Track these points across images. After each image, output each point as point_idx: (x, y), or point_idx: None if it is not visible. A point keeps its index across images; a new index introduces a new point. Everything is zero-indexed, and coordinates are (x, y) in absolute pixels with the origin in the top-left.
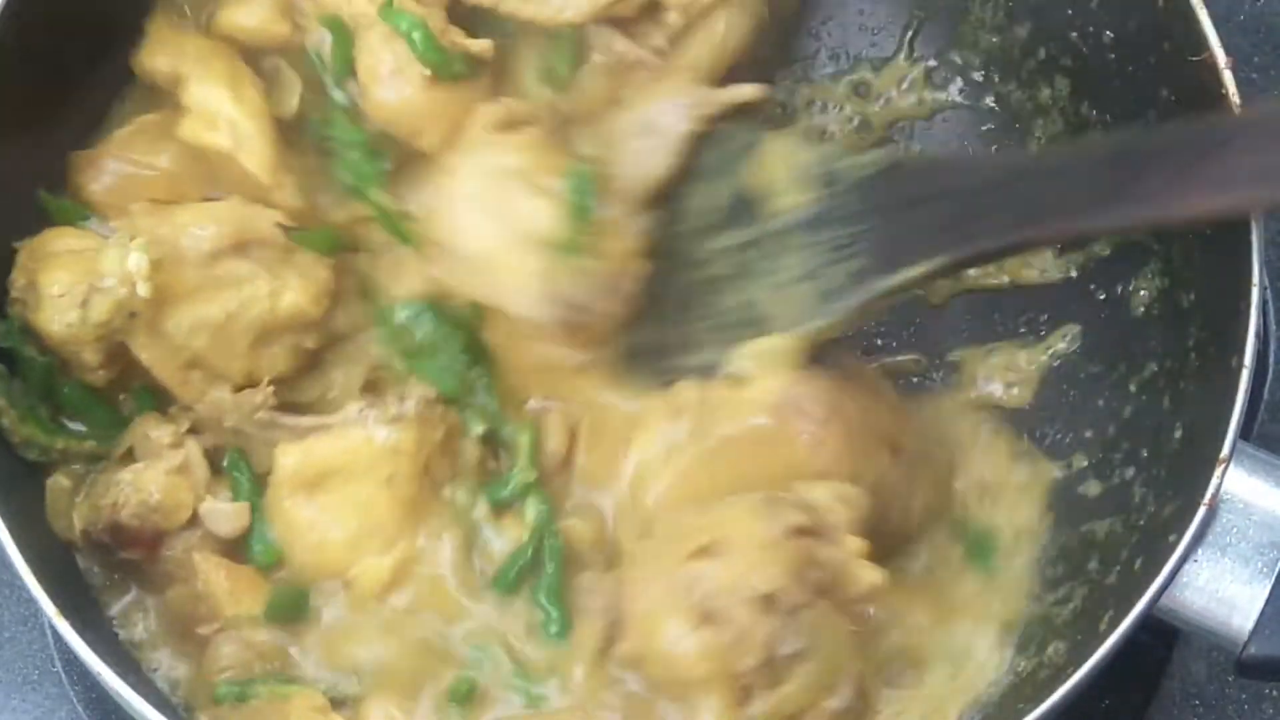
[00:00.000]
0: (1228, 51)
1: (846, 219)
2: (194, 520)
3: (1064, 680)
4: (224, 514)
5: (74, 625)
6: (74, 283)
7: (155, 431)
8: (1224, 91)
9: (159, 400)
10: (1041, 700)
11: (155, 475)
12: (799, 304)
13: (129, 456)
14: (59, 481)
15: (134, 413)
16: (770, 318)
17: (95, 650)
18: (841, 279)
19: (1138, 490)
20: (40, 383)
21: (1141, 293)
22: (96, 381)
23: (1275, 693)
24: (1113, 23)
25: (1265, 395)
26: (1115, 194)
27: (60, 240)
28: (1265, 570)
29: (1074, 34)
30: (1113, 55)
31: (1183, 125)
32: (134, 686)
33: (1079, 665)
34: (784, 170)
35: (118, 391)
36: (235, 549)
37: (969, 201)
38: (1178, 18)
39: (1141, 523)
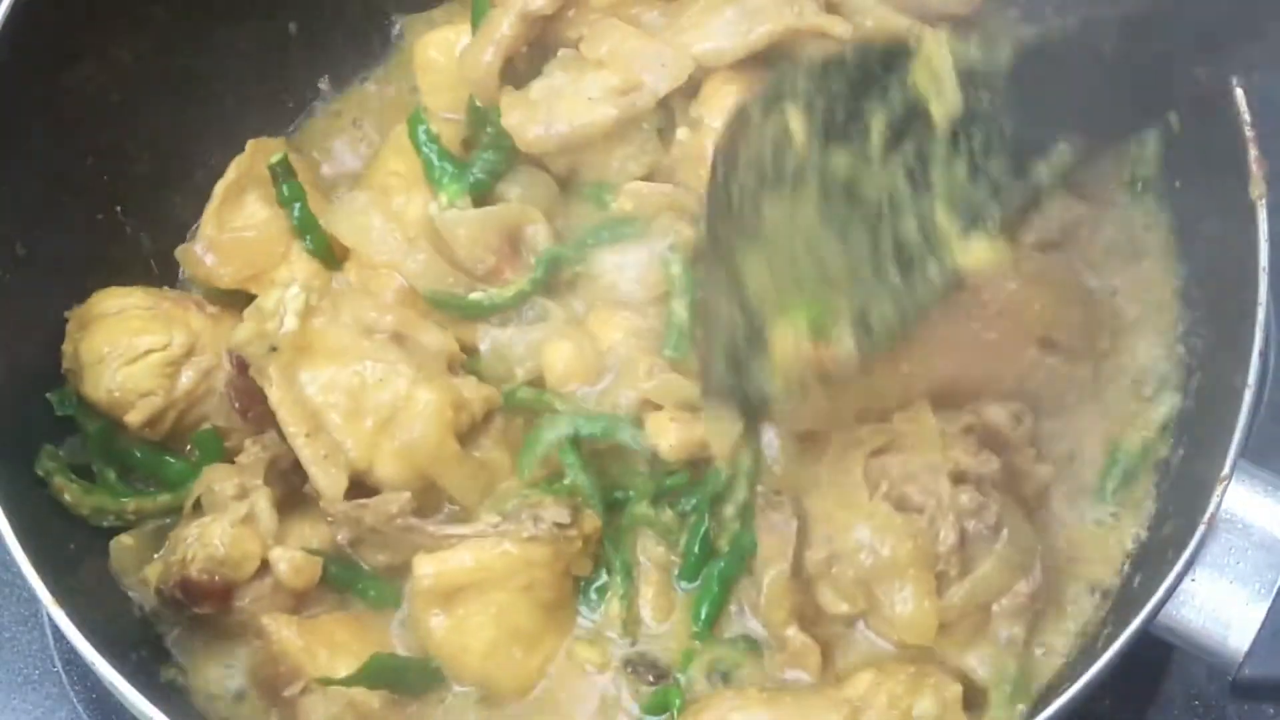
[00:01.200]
0: None
1: (1000, 112)
2: (264, 570)
3: (1060, 694)
4: (294, 564)
5: (72, 620)
6: (114, 345)
7: (220, 483)
8: (1234, 110)
9: (224, 450)
10: (1038, 713)
11: (221, 527)
12: (974, 207)
13: (198, 510)
14: (122, 541)
15: (201, 464)
16: (941, 238)
17: (95, 647)
18: (1004, 174)
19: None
20: (100, 447)
21: None
22: (158, 437)
23: None
24: None
25: (1265, 395)
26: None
27: (104, 303)
28: (1263, 591)
29: None
30: None
31: None
32: (132, 682)
33: (1075, 679)
34: (933, 72)
35: (181, 445)
36: (309, 602)
37: (1108, 80)
38: None
39: (1141, 540)
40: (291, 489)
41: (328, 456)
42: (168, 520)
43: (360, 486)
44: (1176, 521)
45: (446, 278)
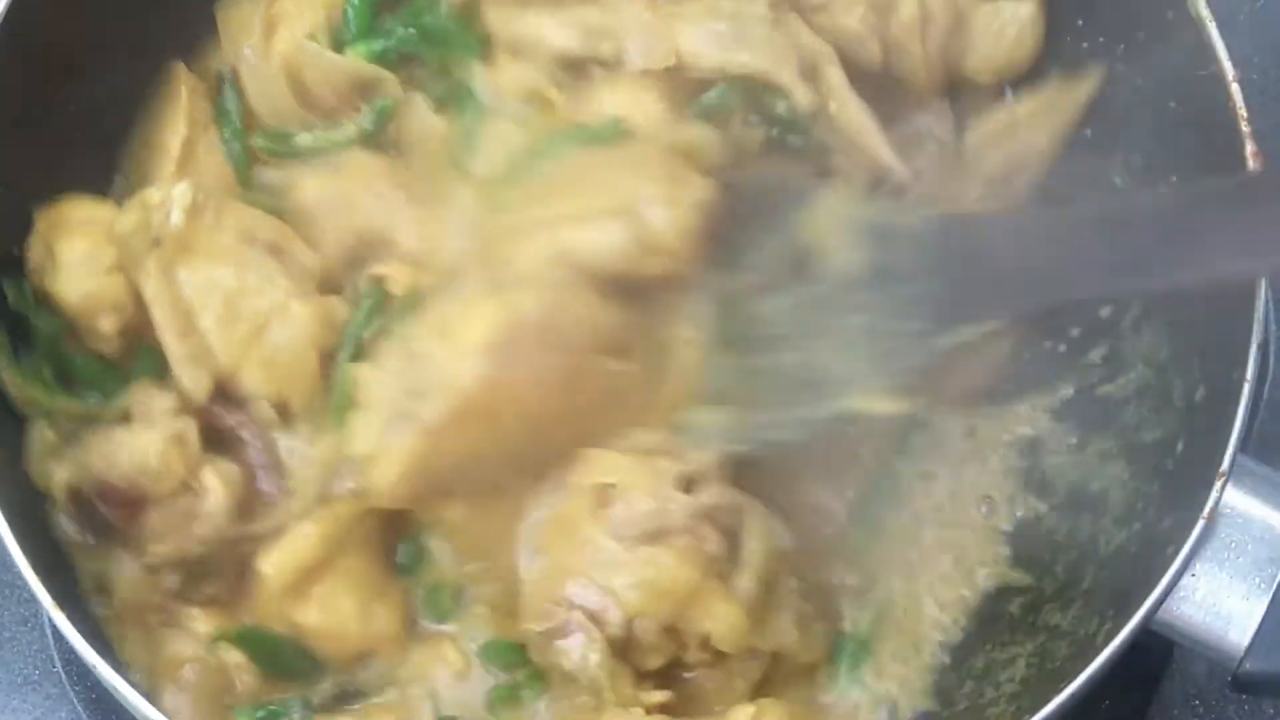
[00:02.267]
0: (1229, 54)
1: (902, 277)
2: (178, 494)
3: (1059, 691)
4: (215, 491)
5: (72, 621)
6: (93, 250)
7: (158, 398)
8: (1231, 105)
9: (164, 370)
10: (1038, 709)
11: (152, 440)
12: (861, 364)
13: (126, 418)
14: (43, 432)
15: (137, 377)
16: (831, 379)
17: (94, 647)
18: (901, 338)
19: (1138, 502)
20: (48, 350)
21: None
22: (108, 351)
23: None
24: (1122, 32)
25: (1265, 394)
26: (1167, 255)
27: (79, 209)
28: (1263, 585)
29: (1084, 44)
30: (1122, 66)
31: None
32: (134, 685)
33: (1074, 676)
34: (836, 225)
35: (127, 363)
36: None
37: (1024, 258)
38: (1187, 30)
39: (1140, 534)
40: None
41: (195, 357)
42: (83, 426)
43: (221, 395)
44: (1175, 517)
45: (291, 117)
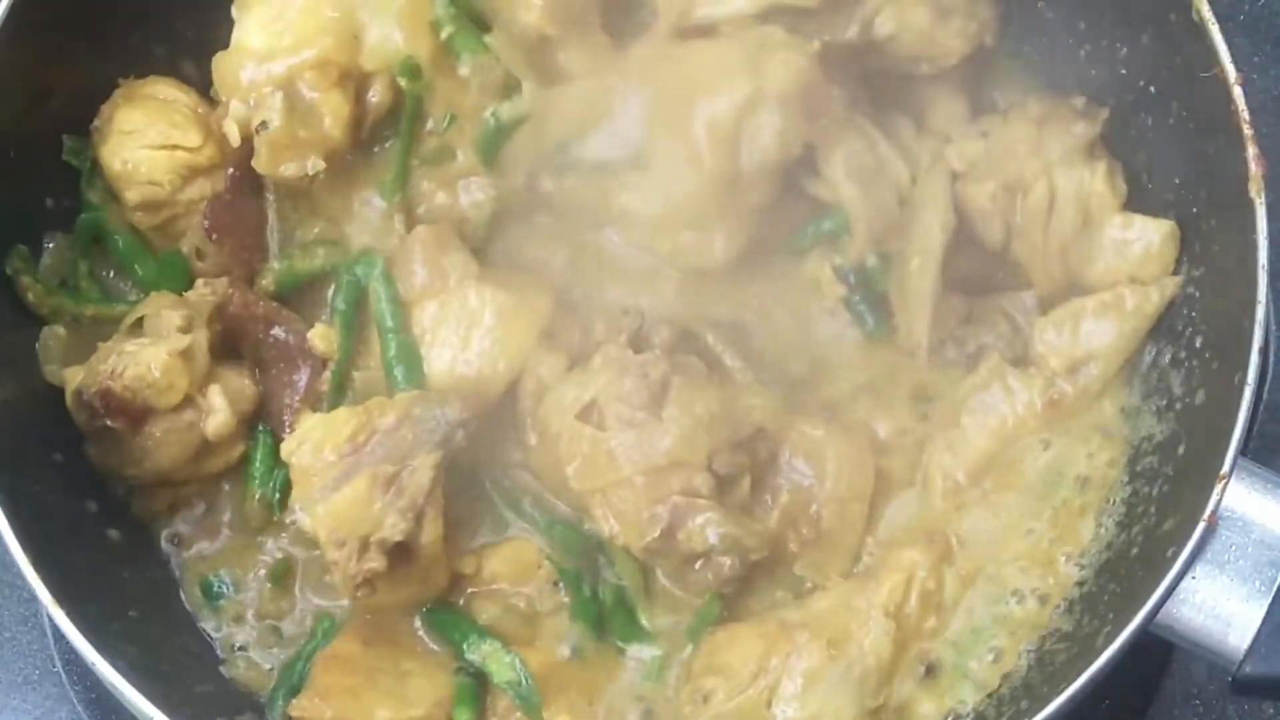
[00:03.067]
0: (1231, 56)
1: None
2: (183, 407)
3: (1060, 693)
4: (222, 419)
5: (72, 620)
6: (147, 123)
7: (169, 311)
8: (1233, 108)
9: (185, 283)
10: (1037, 711)
11: (158, 353)
12: None
13: (137, 329)
14: (55, 331)
15: (158, 286)
16: None
17: (94, 645)
18: None
19: (1139, 504)
20: (87, 229)
21: None
22: (138, 225)
23: None
24: (1124, 37)
25: (1265, 395)
26: None
27: (156, 87)
28: (1263, 589)
29: (1084, 49)
30: (1124, 70)
31: None
32: (132, 683)
33: (1075, 678)
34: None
35: (164, 244)
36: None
37: None
38: (1189, 33)
39: (1141, 537)
40: (226, 342)
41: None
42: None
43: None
44: (1176, 519)
45: None
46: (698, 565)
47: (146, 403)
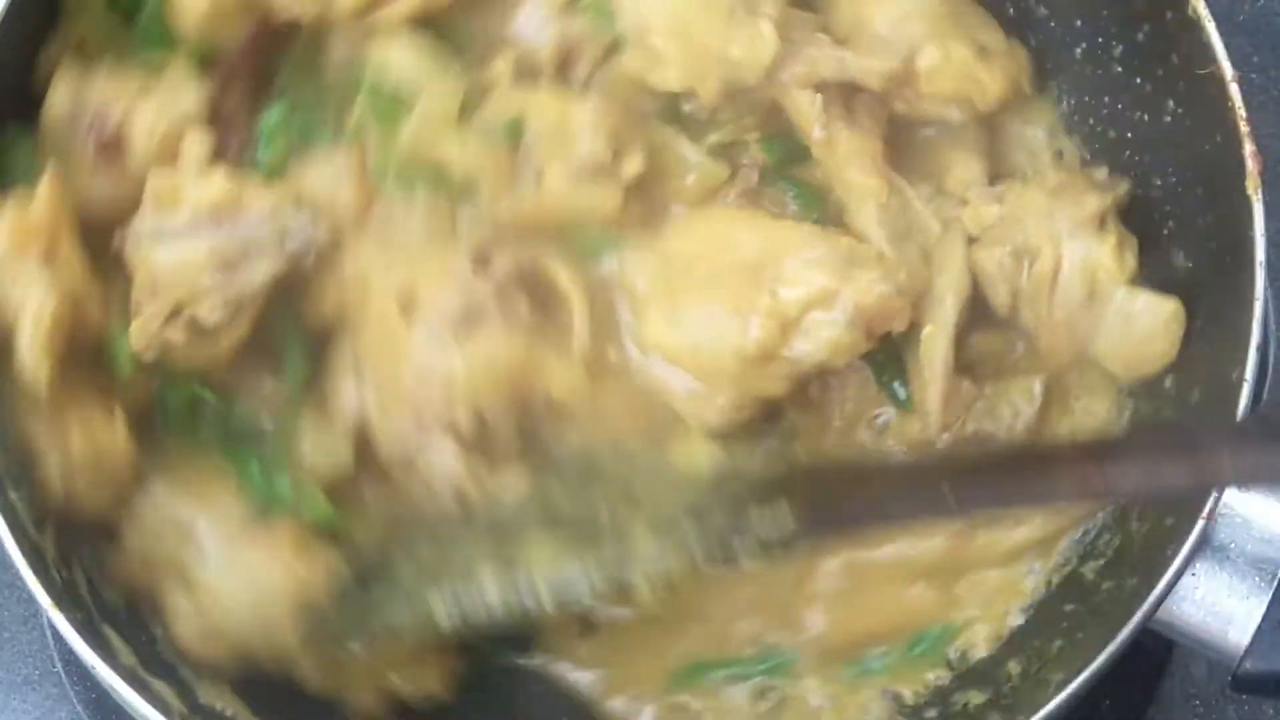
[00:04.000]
0: (1227, 50)
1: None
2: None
3: (1061, 690)
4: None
5: (72, 621)
6: None
7: (188, 88)
8: (1230, 104)
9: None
10: (1037, 709)
11: (164, 114)
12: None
13: (147, 88)
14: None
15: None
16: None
17: (93, 647)
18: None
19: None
20: None
21: None
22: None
23: None
24: (1120, 34)
25: (1265, 395)
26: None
27: None
28: (1263, 585)
29: (1079, 47)
30: (1119, 68)
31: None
32: (132, 685)
33: (1075, 675)
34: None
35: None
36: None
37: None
38: (1185, 29)
39: (1140, 533)
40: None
41: None
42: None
43: None
44: (1176, 516)
45: None
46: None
47: (125, 142)
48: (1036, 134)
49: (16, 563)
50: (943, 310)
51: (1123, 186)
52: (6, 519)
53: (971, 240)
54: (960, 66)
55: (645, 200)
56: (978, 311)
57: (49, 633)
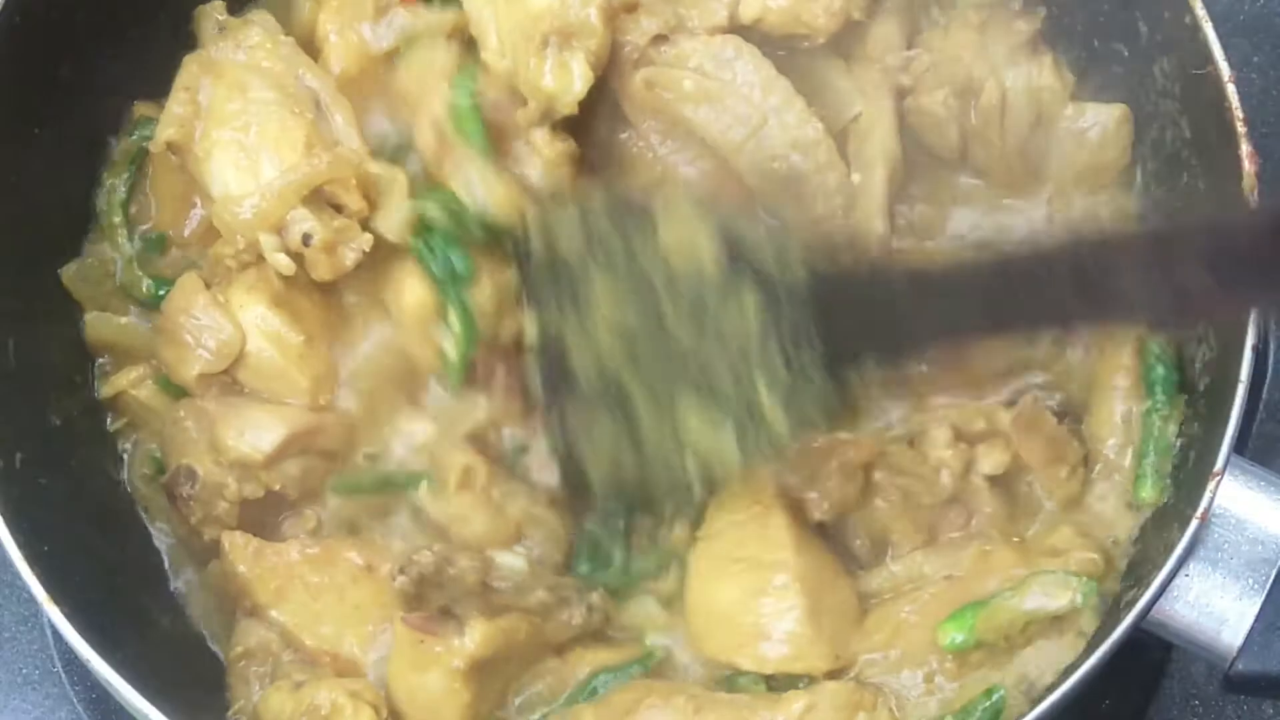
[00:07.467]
0: (1227, 51)
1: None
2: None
3: (1054, 690)
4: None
5: (71, 620)
6: None
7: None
8: (1227, 105)
9: None
10: (1034, 706)
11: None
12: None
13: None
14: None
15: None
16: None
17: (92, 645)
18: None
19: None
20: None
21: None
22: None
23: None
24: (1120, 35)
25: (1264, 395)
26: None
27: None
28: (1256, 586)
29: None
30: (1118, 69)
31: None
32: (130, 682)
33: (1069, 675)
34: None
35: None
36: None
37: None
38: (1183, 30)
39: (1135, 533)
40: None
41: None
42: None
43: None
44: (1170, 516)
45: None
46: None
47: None
48: None
49: (15, 563)
50: (873, 167)
51: (1041, 10)
52: (6, 518)
53: (906, 91)
54: (780, 11)
55: None
56: (920, 164)
57: (49, 632)
